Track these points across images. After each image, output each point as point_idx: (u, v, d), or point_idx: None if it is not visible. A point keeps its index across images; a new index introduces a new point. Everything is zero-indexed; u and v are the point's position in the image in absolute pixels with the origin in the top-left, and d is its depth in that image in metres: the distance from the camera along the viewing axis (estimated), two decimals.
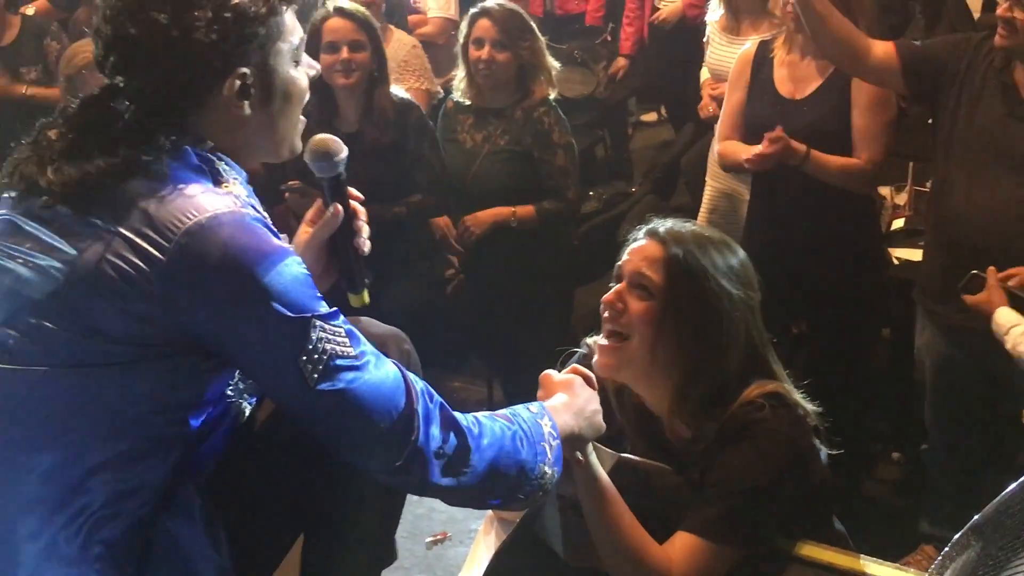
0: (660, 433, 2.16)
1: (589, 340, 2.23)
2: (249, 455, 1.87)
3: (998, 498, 1.62)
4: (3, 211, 1.72)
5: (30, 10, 5.50)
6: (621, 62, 6.16)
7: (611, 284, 2.12)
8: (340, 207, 1.92)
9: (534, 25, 4.08)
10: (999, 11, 2.93)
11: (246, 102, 1.73)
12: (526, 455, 1.79)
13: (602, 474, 1.98)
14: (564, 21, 6.38)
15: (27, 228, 1.67)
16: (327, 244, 1.95)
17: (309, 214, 1.98)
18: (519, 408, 1.86)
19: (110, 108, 1.70)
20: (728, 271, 2.07)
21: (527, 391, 2.26)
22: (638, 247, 2.11)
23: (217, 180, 1.71)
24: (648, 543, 1.97)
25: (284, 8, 1.76)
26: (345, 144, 1.89)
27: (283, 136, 1.83)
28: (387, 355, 1.82)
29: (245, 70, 1.71)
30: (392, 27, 4.74)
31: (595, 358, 2.10)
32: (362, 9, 3.92)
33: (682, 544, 1.97)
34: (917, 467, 3.72)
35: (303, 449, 1.76)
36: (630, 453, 2.13)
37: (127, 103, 1.70)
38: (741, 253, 2.13)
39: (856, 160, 3.43)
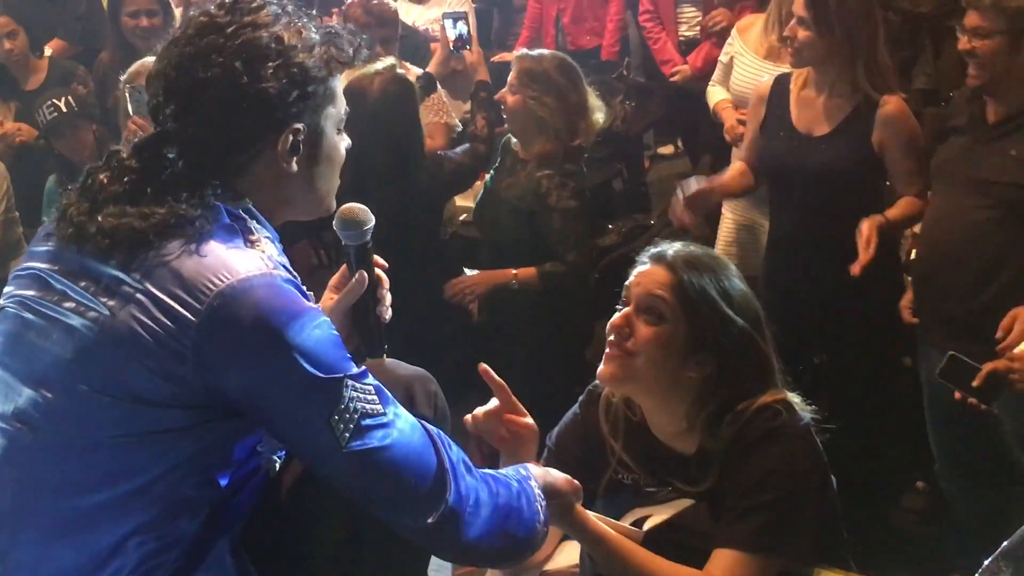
0: (657, 451, 2.18)
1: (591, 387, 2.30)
2: (280, 507, 1.88)
3: None
4: (36, 264, 1.74)
5: (48, 51, 5.53)
6: None
7: (617, 307, 2.15)
8: (365, 274, 1.95)
9: (562, 81, 3.89)
10: (960, 45, 3.03)
11: (294, 159, 1.77)
12: (528, 513, 1.83)
13: (603, 529, 2.00)
14: (579, 57, 6.34)
15: (57, 285, 1.69)
16: (350, 310, 1.97)
17: (334, 280, 2.01)
18: (509, 470, 1.90)
19: (160, 156, 1.72)
20: (734, 290, 2.13)
21: (547, 428, 2.29)
22: (645, 271, 2.14)
23: (248, 239, 1.72)
24: (680, 572, 1.98)
25: (338, 75, 1.81)
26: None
27: (322, 196, 1.88)
28: (413, 396, 1.85)
29: (299, 126, 1.76)
30: (408, 65, 4.75)
31: (599, 368, 2.13)
32: None
33: (723, 562, 1.98)
34: (942, 496, 3.71)
35: (333, 497, 1.77)
36: (619, 471, 2.19)
37: (177, 152, 1.72)
38: (736, 271, 2.19)
39: (915, 199, 3.43)
